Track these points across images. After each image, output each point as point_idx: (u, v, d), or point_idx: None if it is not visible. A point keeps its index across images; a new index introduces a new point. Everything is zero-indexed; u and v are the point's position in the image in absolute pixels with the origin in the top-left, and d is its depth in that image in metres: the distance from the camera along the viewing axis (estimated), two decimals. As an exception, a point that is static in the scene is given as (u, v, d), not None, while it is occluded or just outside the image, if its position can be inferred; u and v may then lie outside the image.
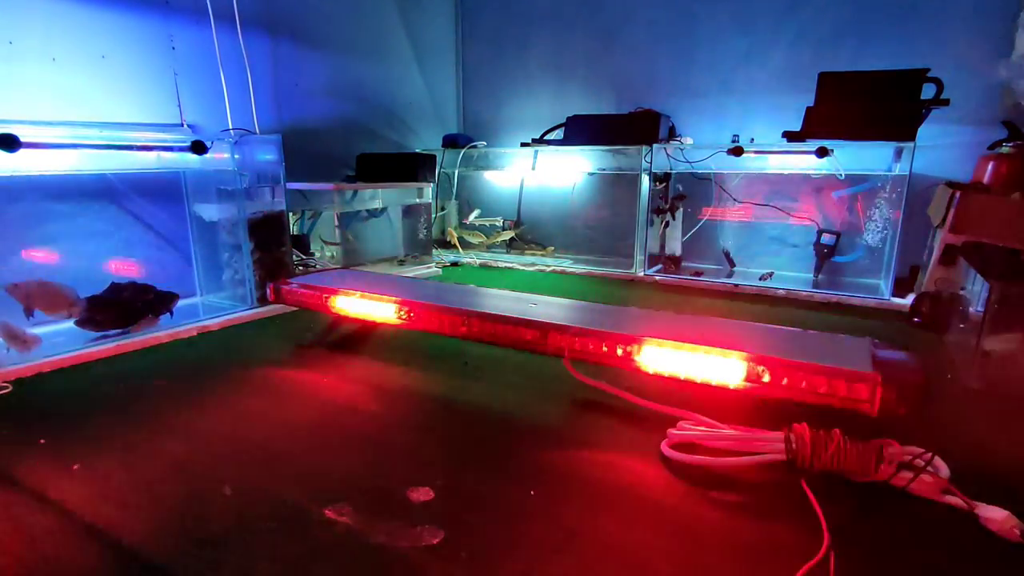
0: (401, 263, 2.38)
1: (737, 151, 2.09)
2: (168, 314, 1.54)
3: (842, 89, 1.91)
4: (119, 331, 1.43)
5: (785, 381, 0.90)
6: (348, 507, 0.75)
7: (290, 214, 1.93)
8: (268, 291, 1.46)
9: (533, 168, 2.65)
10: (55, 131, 1.42)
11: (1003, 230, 1.43)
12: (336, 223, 2.16)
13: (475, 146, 2.71)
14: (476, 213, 2.80)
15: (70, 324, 1.40)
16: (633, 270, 2.33)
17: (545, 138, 2.56)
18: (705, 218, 2.42)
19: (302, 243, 2.14)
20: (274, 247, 1.77)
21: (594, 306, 1.28)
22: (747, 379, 0.93)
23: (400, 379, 1.23)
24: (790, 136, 2.00)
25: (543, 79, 2.82)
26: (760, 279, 2.18)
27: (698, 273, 2.30)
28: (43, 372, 1.23)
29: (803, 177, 2.19)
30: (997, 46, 1.86)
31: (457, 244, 2.77)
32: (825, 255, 2.19)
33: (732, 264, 2.37)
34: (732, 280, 2.18)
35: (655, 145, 2.25)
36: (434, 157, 2.54)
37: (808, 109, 1.96)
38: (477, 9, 2.93)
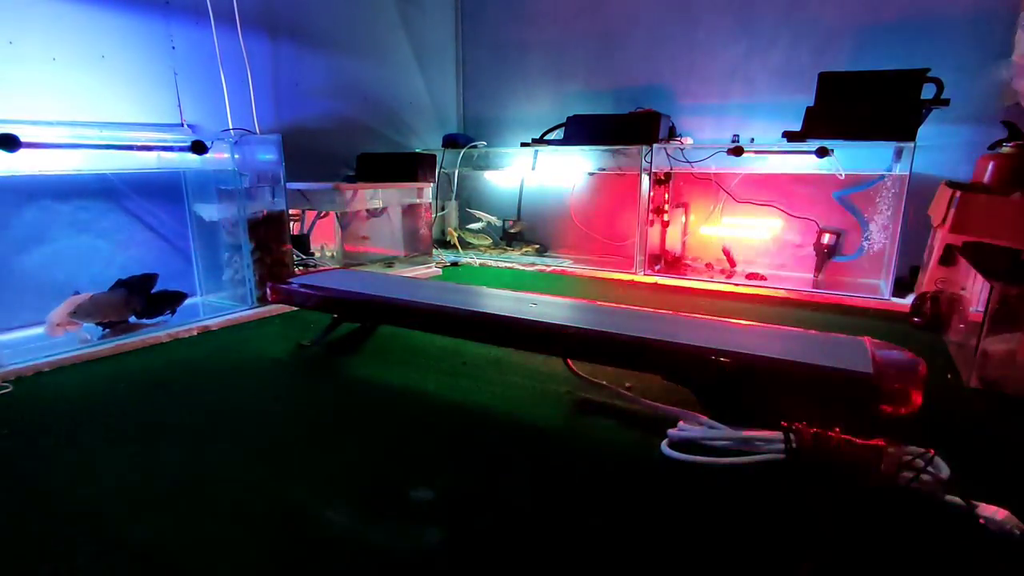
0: (389, 265, 2.36)
1: (737, 151, 2.09)
2: (170, 313, 1.54)
3: (842, 89, 1.91)
4: (107, 330, 1.42)
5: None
6: (347, 507, 0.75)
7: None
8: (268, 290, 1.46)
9: (533, 168, 2.65)
10: (55, 131, 1.42)
11: (1003, 230, 1.43)
12: (339, 220, 2.16)
13: (475, 146, 2.71)
14: (479, 225, 2.80)
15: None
16: (633, 270, 2.33)
17: (545, 138, 2.56)
18: (705, 217, 2.42)
19: (302, 243, 2.14)
20: (274, 247, 1.76)
21: (594, 306, 1.28)
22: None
23: (400, 378, 1.23)
24: (790, 136, 2.00)
25: (543, 79, 2.82)
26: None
27: (698, 272, 2.30)
28: (42, 371, 1.23)
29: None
30: (997, 46, 1.86)
31: (457, 244, 2.77)
32: (825, 255, 2.19)
33: (733, 263, 2.37)
34: (733, 280, 2.18)
35: (655, 145, 2.25)
36: (434, 157, 2.54)
37: (808, 109, 1.96)
38: (477, 9, 2.93)
